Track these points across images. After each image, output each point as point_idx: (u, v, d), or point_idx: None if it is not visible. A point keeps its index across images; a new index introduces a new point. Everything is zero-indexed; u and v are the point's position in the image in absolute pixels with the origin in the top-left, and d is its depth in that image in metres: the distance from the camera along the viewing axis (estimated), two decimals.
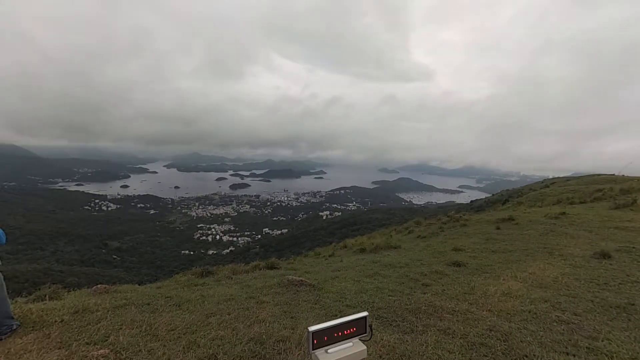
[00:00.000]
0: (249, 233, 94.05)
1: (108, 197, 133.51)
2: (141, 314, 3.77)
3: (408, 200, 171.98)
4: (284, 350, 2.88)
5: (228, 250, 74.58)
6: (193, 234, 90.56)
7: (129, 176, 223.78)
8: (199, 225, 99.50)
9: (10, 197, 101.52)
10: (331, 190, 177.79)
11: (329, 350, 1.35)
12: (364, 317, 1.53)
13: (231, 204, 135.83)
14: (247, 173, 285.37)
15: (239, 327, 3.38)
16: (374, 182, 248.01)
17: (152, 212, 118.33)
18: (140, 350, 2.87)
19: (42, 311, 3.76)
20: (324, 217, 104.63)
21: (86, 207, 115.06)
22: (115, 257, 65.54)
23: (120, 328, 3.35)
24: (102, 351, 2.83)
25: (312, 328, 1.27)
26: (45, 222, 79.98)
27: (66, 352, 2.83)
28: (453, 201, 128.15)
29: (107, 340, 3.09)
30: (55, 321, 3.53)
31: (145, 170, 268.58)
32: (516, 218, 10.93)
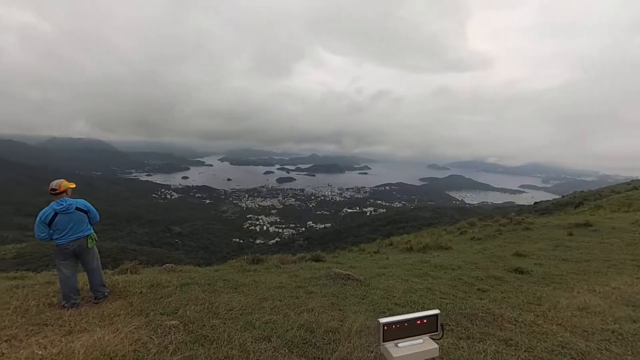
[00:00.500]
0: (293, 225, 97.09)
1: (171, 187, 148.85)
2: (203, 293, 4.16)
3: (460, 199, 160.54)
4: (333, 340, 2.94)
5: (274, 241, 78.05)
6: (243, 224, 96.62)
7: (189, 168, 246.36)
8: (248, 216, 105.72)
9: (97, 185, 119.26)
10: (376, 186, 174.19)
11: (399, 344, 1.35)
12: (436, 315, 1.49)
13: (277, 197, 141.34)
14: (293, 167, 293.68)
15: (290, 314, 3.54)
16: (421, 179, 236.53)
17: (207, 201, 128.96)
18: (204, 325, 3.18)
19: (126, 283, 4.39)
20: (368, 214, 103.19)
21: (154, 195, 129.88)
22: (177, 240, 73.15)
23: (187, 304, 3.75)
24: (173, 322, 3.21)
25: (383, 320, 1.27)
26: (122, 207, 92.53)
27: (145, 319, 3.27)
28: (512, 202, 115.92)
29: (177, 312, 3.48)
30: (136, 292, 4.09)
31: (202, 163, 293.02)
32: (595, 224, 9.55)
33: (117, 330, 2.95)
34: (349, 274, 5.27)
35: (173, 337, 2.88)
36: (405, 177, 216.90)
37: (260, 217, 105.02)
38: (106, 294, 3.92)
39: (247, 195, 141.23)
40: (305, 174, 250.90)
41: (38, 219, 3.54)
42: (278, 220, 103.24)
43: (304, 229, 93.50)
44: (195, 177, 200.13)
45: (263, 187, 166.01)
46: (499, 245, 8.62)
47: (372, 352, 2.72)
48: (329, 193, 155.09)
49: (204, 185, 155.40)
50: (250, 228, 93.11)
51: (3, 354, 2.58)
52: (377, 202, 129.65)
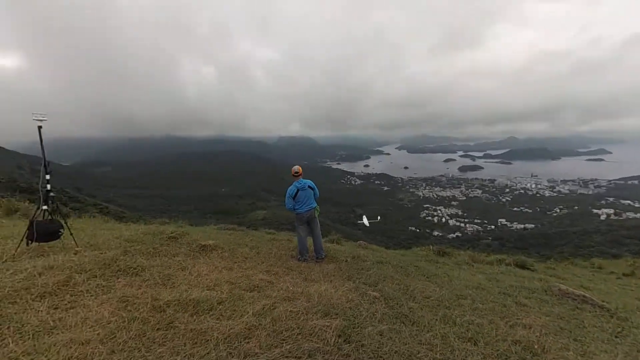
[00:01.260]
0: (479, 221, 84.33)
1: (355, 174, 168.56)
2: (397, 274, 4.40)
3: None
4: None
5: (454, 235, 71.32)
6: (419, 213, 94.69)
7: (369, 157, 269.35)
8: (425, 205, 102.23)
9: (307, 172, 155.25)
10: (620, 179, 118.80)
11: None
12: None
13: (459, 187, 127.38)
14: (480, 154, 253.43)
15: (498, 323, 3.07)
16: None
17: (385, 188, 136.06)
18: (402, 305, 3.34)
19: (335, 251, 5.39)
20: (603, 217, 72.77)
21: (342, 181, 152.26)
22: (359, 221, 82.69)
23: (384, 280, 4.09)
24: (375, 293, 3.59)
25: None
26: (320, 191, 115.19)
27: (353, 285, 3.85)
28: None
29: (377, 286, 3.88)
30: (343, 260, 4.92)
31: (381, 153, 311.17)
32: None
33: (335, 287, 3.68)
34: (584, 296, 3.91)
35: (377, 306, 3.23)
36: None
37: (438, 208, 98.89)
38: (323, 255, 4.99)
39: (424, 184, 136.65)
40: (496, 162, 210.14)
41: (287, 194, 4.96)
42: (459, 213, 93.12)
43: (493, 226, 79.22)
44: (375, 165, 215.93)
45: (442, 176, 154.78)
46: None
47: None
48: (533, 186, 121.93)
49: (382, 173, 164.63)
50: (426, 218, 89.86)
51: (272, 282, 3.85)
52: (621, 202, 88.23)
